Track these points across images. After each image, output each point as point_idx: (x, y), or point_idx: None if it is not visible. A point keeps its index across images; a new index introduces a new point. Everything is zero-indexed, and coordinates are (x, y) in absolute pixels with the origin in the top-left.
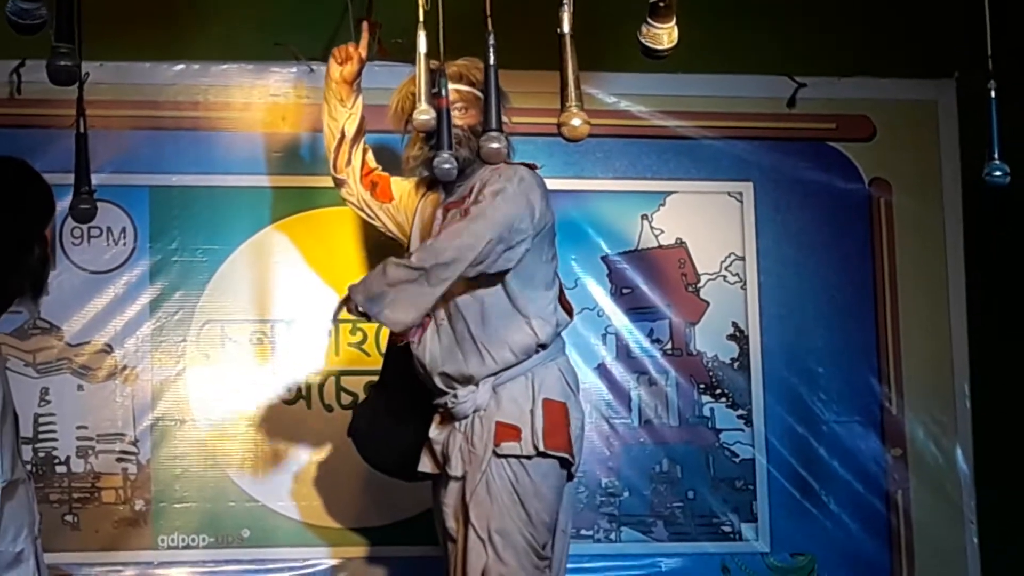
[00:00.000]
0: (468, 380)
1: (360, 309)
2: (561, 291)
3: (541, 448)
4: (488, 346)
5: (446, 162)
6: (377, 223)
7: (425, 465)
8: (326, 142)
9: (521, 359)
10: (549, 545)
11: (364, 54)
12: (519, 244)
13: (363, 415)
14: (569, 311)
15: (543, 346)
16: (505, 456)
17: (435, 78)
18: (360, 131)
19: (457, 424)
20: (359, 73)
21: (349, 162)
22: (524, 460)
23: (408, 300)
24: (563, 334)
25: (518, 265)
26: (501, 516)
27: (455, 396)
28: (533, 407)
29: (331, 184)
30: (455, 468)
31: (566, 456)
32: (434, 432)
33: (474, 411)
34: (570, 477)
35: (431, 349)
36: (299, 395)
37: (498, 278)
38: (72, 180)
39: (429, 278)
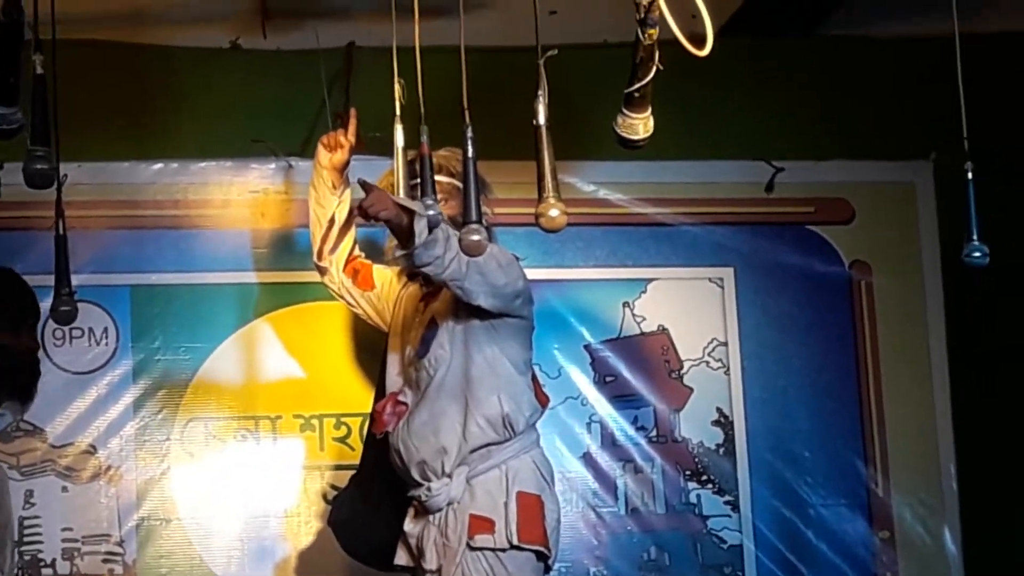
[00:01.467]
0: (442, 464)
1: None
2: (535, 382)
3: (515, 541)
4: (466, 417)
5: (474, 233)
6: (359, 310)
7: (401, 558)
8: (312, 230)
9: (492, 438)
10: None
11: (353, 141)
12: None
13: (342, 505)
14: (544, 402)
15: (513, 428)
16: (479, 549)
17: (413, 169)
18: (351, 218)
19: (431, 517)
20: (348, 161)
21: (334, 249)
22: (500, 553)
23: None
24: (546, 422)
25: (504, 337)
26: None
27: (428, 489)
28: (507, 500)
29: (313, 278)
30: (430, 562)
31: (541, 549)
32: (409, 525)
33: (448, 504)
34: (547, 569)
35: (402, 439)
36: (285, 491)
37: (489, 345)
38: (52, 282)
39: (469, 268)
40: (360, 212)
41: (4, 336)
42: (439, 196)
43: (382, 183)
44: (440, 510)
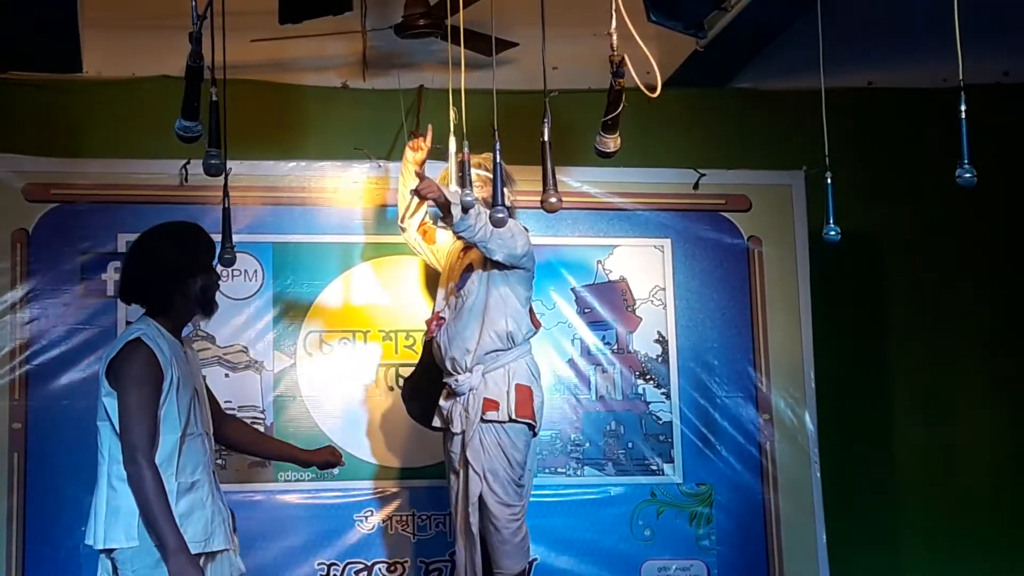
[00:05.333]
0: (465, 360)
1: (437, 202)
2: (532, 312)
3: (514, 416)
4: (482, 330)
5: (500, 212)
6: (424, 257)
7: (436, 422)
8: (399, 201)
9: (499, 346)
10: (522, 478)
11: (430, 146)
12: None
13: (407, 385)
14: (536, 325)
15: (514, 341)
16: (489, 421)
17: (462, 167)
18: None
19: (458, 397)
20: (425, 159)
21: (411, 216)
22: (504, 424)
23: (483, 222)
24: (544, 339)
25: (513, 281)
26: (491, 460)
27: (456, 380)
28: (509, 388)
29: (394, 240)
30: (456, 426)
31: (531, 422)
32: (442, 402)
33: (469, 390)
34: (534, 435)
35: (443, 340)
36: (372, 379)
37: (503, 286)
38: (220, 239)
39: (492, 234)
40: (415, 193)
41: (210, 269)
42: (478, 184)
43: (441, 176)
44: (464, 394)
